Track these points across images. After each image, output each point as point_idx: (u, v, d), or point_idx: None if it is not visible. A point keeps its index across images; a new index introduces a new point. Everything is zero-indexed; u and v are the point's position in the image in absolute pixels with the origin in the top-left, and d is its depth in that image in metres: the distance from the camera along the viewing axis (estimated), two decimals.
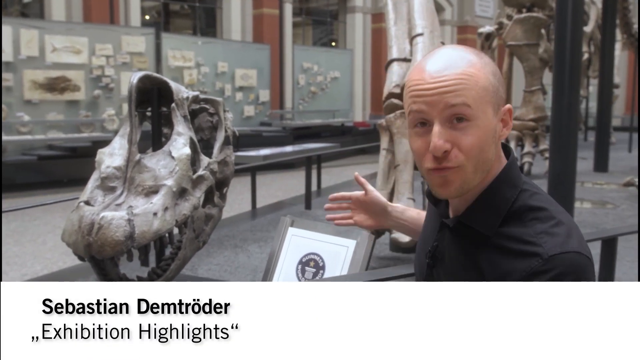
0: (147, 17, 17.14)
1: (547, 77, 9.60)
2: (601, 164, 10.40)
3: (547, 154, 8.68)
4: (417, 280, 1.40)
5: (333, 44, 22.17)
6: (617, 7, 11.07)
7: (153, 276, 2.40)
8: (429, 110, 1.11)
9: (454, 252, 1.23)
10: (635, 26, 13.14)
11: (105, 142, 2.81)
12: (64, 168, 9.76)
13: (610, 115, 11.24)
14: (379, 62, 20.43)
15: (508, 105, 1.19)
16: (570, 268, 1.05)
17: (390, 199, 3.89)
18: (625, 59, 21.68)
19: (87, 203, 2.19)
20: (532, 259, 1.07)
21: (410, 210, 1.73)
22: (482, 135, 1.11)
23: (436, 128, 1.10)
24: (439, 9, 22.14)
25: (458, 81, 1.10)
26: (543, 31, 8.71)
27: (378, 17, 20.74)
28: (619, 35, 12.28)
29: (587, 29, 12.31)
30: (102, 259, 2.14)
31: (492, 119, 1.13)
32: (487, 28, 11.34)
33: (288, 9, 18.42)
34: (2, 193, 7.16)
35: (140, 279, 2.40)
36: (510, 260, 1.10)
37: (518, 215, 1.14)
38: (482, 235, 1.16)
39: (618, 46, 12.51)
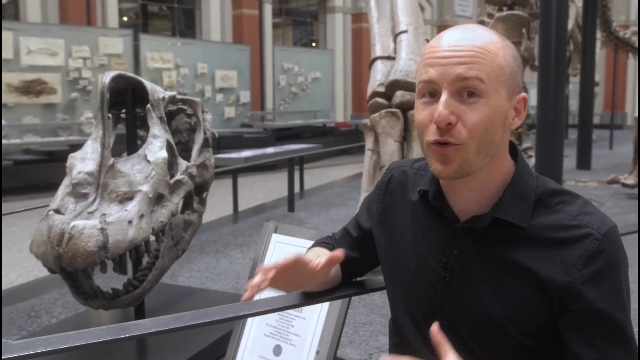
0: (125, 18, 16.91)
1: (527, 76, 9.62)
2: (584, 162, 10.45)
3: (530, 152, 8.66)
4: (412, 297, 1.22)
5: (313, 44, 22.10)
6: (597, 6, 11.15)
7: (129, 288, 2.27)
8: (439, 80, 1.05)
9: (481, 257, 1.12)
10: (615, 24, 13.24)
11: None
12: (40, 173, 9.54)
13: (592, 113, 11.30)
14: (360, 62, 20.42)
15: (523, 94, 1.13)
16: (619, 243, 1.06)
17: None
18: (604, 57, 21.86)
19: (57, 211, 2.06)
20: (586, 241, 1.04)
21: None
22: (491, 115, 1.05)
23: (444, 97, 1.04)
24: None
25: (475, 53, 1.04)
26: (524, 30, 8.69)
27: (358, 17, 20.72)
28: (598, 33, 12.36)
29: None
30: (73, 270, 2.01)
31: (505, 103, 1.07)
32: None
33: (268, 9, 18.30)
34: (1, 196, 6.91)
35: (115, 291, 2.26)
36: (560, 249, 1.06)
37: (542, 202, 1.11)
38: (516, 231, 1.09)
39: (597, 44, 12.58)
